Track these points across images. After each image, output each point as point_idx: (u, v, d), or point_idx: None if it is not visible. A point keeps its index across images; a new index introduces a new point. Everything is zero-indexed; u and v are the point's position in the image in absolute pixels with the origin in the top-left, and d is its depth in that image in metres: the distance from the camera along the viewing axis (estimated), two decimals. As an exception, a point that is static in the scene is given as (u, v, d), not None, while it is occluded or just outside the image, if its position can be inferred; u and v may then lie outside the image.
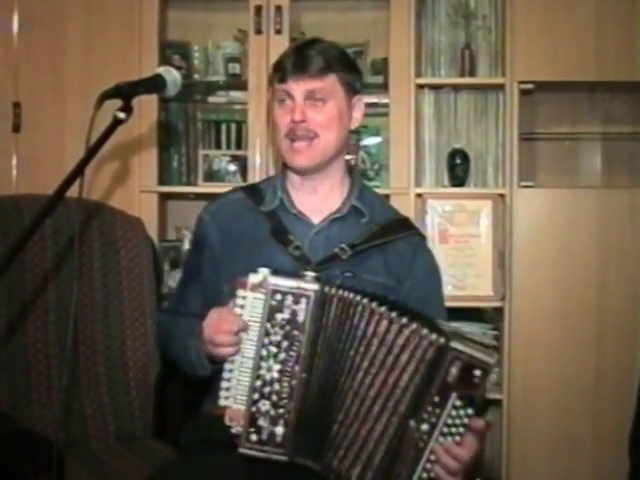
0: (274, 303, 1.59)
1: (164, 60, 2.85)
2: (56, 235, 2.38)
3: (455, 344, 1.51)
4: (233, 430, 1.61)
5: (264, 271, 1.60)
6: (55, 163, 2.69)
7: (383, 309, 1.57)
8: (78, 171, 1.45)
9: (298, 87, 1.80)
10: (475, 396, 1.51)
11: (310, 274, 1.62)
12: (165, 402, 2.47)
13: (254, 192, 1.93)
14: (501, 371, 2.83)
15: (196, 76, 3.05)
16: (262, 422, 1.60)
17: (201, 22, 3.10)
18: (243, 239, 1.85)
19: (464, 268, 2.84)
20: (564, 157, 3.12)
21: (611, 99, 3.06)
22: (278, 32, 2.81)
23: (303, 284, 1.59)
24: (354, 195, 1.89)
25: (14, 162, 2.85)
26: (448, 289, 2.82)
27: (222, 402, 1.62)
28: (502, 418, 2.82)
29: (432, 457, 1.53)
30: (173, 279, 2.88)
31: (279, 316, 1.59)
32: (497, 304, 2.85)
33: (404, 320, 1.55)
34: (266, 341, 1.60)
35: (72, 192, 1.46)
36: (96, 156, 1.50)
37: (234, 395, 1.62)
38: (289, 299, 1.59)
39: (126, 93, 1.55)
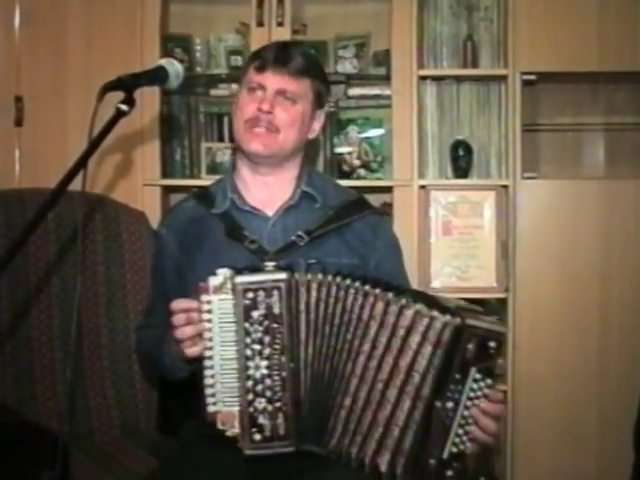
0: (247, 302, 1.58)
1: (166, 53, 2.84)
2: (59, 229, 2.38)
3: (470, 321, 1.52)
4: (228, 433, 1.61)
5: (224, 272, 1.59)
6: (58, 156, 2.68)
7: (377, 290, 1.57)
8: (81, 164, 1.45)
9: (274, 80, 1.83)
10: (492, 366, 1.53)
11: (270, 264, 1.62)
12: (169, 395, 2.48)
13: (204, 197, 1.95)
14: (505, 362, 2.83)
15: (198, 69, 3.04)
16: (262, 420, 1.59)
17: (203, 15, 3.09)
18: (202, 245, 1.87)
19: (467, 259, 2.84)
20: (567, 148, 3.11)
21: (614, 90, 3.05)
22: (280, 24, 2.79)
23: (271, 276, 1.59)
24: (303, 181, 1.91)
25: (17, 156, 2.84)
26: (452, 280, 2.83)
27: (211, 408, 1.61)
28: (507, 409, 2.82)
29: (460, 431, 1.54)
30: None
31: (255, 313, 1.58)
32: (501, 295, 2.85)
33: (403, 301, 1.55)
34: (248, 340, 1.59)
35: (75, 185, 1.46)
36: (99, 149, 1.49)
37: (222, 399, 1.61)
38: (261, 294, 1.58)
39: (128, 85, 1.55)
